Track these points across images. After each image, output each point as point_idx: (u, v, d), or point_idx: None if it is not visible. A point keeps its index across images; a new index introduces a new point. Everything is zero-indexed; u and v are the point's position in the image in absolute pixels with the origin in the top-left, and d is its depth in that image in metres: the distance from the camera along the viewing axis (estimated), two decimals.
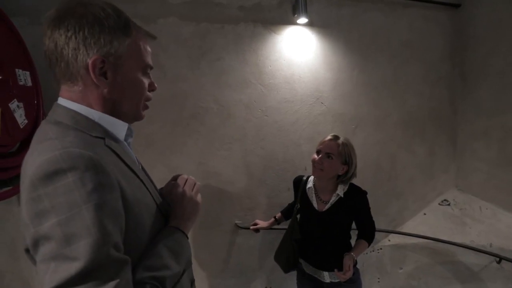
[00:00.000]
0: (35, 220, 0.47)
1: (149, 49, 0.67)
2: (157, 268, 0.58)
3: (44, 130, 0.57)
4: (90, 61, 0.56)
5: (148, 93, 0.68)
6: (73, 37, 0.55)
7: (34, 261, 0.55)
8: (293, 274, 1.61)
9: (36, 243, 0.48)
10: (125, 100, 0.63)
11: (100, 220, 0.48)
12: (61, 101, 0.60)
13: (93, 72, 0.57)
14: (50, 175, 0.47)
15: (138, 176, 0.64)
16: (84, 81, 0.58)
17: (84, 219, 0.47)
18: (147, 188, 0.66)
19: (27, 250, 0.54)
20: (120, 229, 0.52)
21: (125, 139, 0.67)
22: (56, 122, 0.57)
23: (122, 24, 0.60)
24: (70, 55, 0.56)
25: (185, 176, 0.78)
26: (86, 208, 0.47)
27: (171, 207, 0.72)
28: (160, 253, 0.60)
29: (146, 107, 0.70)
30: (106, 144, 0.58)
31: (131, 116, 0.66)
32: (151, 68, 0.68)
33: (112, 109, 0.62)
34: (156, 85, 0.69)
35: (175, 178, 0.78)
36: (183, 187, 0.74)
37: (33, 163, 0.49)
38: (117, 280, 0.48)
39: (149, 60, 0.66)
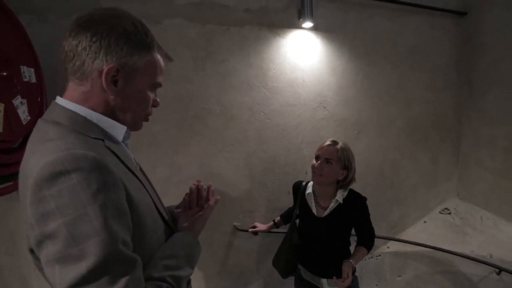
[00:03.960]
0: (40, 221, 0.48)
1: (163, 68, 0.69)
2: (174, 268, 0.62)
3: (43, 129, 0.57)
4: (106, 68, 0.57)
5: (150, 108, 0.70)
6: (98, 42, 0.57)
7: (38, 261, 0.55)
8: (291, 279, 1.59)
9: (41, 243, 0.48)
10: (128, 110, 0.64)
11: (107, 219, 0.48)
12: (59, 100, 0.61)
13: (105, 78, 0.58)
14: (55, 176, 0.48)
15: (137, 177, 0.65)
16: (93, 83, 0.59)
17: (91, 219, 0.47)
18: (146, 189, 0.67)
19: (32, 250, 0.55)
20: (127, 227, 0.53)
21: (122, 141, 0.67)
22: (55, 123, 0.57)
23: (147, 42, 0.63)
24: (88, 56, 0.57)
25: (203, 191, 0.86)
26: (92, 208, 0.48)
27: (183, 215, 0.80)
28: (176, 254, 0.66)
29: (146, 120, 0.71)
30: (105, 146, 0.59)
31: (130, 125, 0.67)
32: (160, 86, 0.70)
33: (113, 115, 0.63)
34: (158, 100, 0.71)
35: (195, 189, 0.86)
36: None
37: (36, 164, 0.49)
38: (128, 277, 0.48)
39: (161, 78, 0.69)
